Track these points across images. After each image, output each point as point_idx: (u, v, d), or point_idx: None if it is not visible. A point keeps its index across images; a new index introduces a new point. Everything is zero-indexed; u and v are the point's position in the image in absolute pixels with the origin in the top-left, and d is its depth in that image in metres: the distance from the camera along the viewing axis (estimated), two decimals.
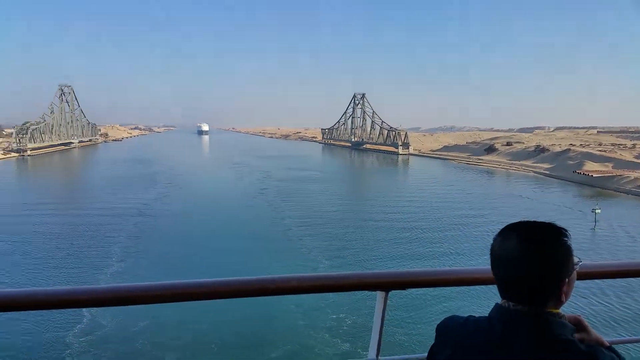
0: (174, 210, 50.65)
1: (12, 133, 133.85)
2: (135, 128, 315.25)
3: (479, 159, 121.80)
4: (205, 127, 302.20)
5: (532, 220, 1.47)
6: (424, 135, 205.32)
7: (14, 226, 41.69)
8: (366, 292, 2.30)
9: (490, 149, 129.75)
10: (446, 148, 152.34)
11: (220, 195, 61.43)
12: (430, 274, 2.35)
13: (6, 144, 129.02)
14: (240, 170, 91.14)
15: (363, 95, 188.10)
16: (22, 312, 1.98)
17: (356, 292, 2.52)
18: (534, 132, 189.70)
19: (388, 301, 2.22)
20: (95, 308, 18.30)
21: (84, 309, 19.38)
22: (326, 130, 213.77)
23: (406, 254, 35.03)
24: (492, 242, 1.50)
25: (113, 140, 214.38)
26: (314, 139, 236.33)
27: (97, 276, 28.85)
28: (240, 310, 21.84)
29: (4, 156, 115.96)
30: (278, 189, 66.92)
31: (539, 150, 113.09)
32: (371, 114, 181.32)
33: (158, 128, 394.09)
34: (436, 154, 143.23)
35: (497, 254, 1.49)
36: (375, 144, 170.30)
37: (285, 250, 35.20)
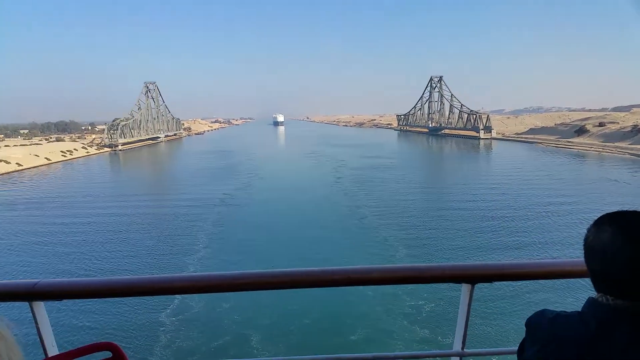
0: (255, 199, 52.26)
1: (104, 130, 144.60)
2: (215, 121, 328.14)
3: (569, 142, 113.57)
4: (281, 118, 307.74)
5: (632, 209, 1.36)
6: (508, 117, 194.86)
7: (111, 216, 45.24)
8: (444, 283, 2.24)
9: (581, 131, 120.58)
10: (532, 131, 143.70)
11: (297, 184, 62.44)
12: (518, 266, 2.28)
13: (99, 140, 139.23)
14: (315, 159, 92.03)
15: (440, 79, 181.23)
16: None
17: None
18: (632, 111, 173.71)
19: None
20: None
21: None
22: (402, 116, 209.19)
23: (490, 244, 33.36)
24: (586, 232, 1.42)
25: (195, 133, 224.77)
26: (389, 126, 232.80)
27: (186, 261, 30.61)
28: (318, 296, 22.32)
29: (97, 151, 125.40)
30: (353, 177, 66.69)
31: (637, 130, 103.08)
32: (449, 98, 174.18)
33: (236, 120, 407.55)
34: (521, 137, 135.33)
35: (593, 245, 1.39)
36: (455, 128, 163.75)
37: (362, 239, 35.04)
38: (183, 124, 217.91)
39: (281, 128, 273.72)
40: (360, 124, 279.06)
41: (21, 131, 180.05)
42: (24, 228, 40.93)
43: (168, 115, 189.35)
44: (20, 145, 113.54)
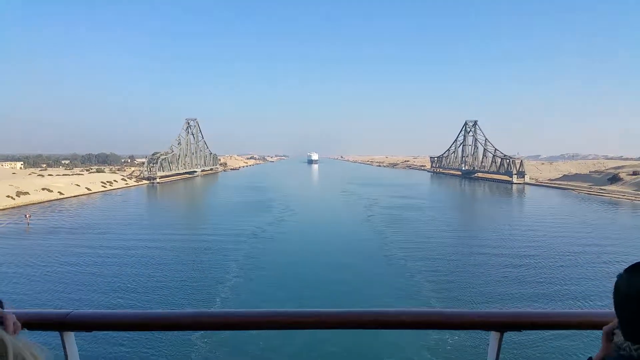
0: (287, 233, 52.68)
1: (143, 162, 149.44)
2: (250, 158, 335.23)
3: (601, 189, 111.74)
4: (315, 156, 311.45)
5: None
6: (542, 163, 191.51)
7: (146, 246, 46.33)
8: (472, 330, 2.22)
9: (614, 179, 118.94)
10: (566, 177, 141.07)
11: (328, 220, 62.79)
12: (549, 315, 2.21)
13: (138, 172, 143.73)
14: (348, 198, 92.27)
15: (475, 123, 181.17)
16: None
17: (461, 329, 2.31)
18: None
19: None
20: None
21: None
22: (435, 158, 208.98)
23: (519, 292, 32.27)
24: (617, 279, 1.38)
25: (231, 169, 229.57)
26: (423, 167, 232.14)
27: (218, 291, 31.01)
28: (337, 339, 21.81)
29: (137, 183, 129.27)
30: (384, 216, 66.49)
31: None
32: (483, 142, 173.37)
33: (271, 157, 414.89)
34: (554, 183, 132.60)
35: (627, 292, 1.34)
36: (488, 172, 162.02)
37: (389, 277, 34.79)
38: (219, 159, 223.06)
39: (315, 166, 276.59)
40: (394, 165, 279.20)
41: (63, 161, 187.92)
42: (61, 256, 42.19)
43: (206, 151, 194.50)
44: (63, 174, 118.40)
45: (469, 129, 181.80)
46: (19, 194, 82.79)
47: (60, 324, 2.05)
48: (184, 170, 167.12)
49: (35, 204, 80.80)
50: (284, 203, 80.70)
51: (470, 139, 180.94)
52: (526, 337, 22.04)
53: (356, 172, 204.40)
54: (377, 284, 32.88)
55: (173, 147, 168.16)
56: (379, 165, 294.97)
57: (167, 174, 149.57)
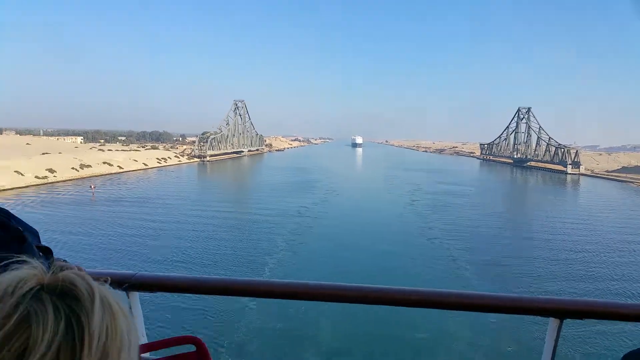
0: (330, 213, 54.17)
1: (194, 141, 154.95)
2: (295, 139, 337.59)
3: None
4: (359, 140, 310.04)
5: None
6: (600, 154, 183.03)
7: (199, 218, 49.24)
8: (527, 316, 2.30)
9: None
10: (625, 169, 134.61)
11: (371, 202, 64.01)
12: (612, 305, 2.15)
13: (189, 151, 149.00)
14: (391, 181, 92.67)
15: (528, 110, 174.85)
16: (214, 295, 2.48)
17: (513, 315, 2.45)
18: None
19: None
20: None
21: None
22: (485, 145, 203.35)
23: (571, 286, 31.44)
24: None
25: (276, 150, 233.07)
26: (472, 154, 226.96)
27: (266, 262, 33.09)
28: (389, 318, 21.99)
29: (188, 161, 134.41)
30: (428, 201, 66.76)
31: None
32: (537, 130, 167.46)
33: (315, 140, 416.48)
34: (612, 175, 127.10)
35: None
36: (541, 161, 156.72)
37: (431, 259, 35.50)
38: (265, 140, 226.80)
39: (359, 149, 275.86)
40: (441, 151, 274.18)
41: (119, 137, 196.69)
42: (124, 223, 45.57)
43: (252, 132, 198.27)
44: (121, 150, 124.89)
45: (522, 116, 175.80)
46: (82, 166, 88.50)
47: (127, 284, 2.15)
48: (232, 150, 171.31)
49: (97, 176, 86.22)
50: (328, 184, 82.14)
51: (523, 126, 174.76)
52: (586, 327, 21.64)
53: (401, 157, 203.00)
54: (417, 265, 33.63)
55: (222, 127, 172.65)
56: (425, 151, 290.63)
57: (216, 152, 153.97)
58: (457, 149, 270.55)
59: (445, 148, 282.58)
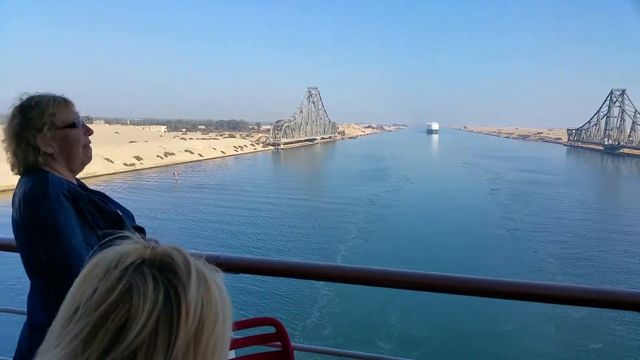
0: (404, 202, 53.33)
1: (268, 129, 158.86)
2: (368, 127, 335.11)
3: None
4: (435, 126, 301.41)
5: None
6: None
7: (274, 204, 50.72)
8: (615, 312, 2.20)
9: None
10: None
11: (447, 191, 62.08)
12: None
13: (264, 139, 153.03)
14: (469, 170, 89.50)
15: (623, 92, 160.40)
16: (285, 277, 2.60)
17: (589, 308, 2.32)
18: None
19: None
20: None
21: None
22: (573, 131, 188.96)
23: None
24: None
25: (349, 137, 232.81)
26: (558, 141, 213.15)
27: (339, 248, 33.41)
28: (465, 309, 21.35)
29: (263, 149, 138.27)
30: (509, 190, 63.61)
31: None
32: (632, 114, 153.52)
33: (389, 127, 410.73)
34: None
35: None
36: (636, 148, 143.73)
37: (512, 254, 33.74)
38: (338, 128, 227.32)
39: (435, 136, 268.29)
40: (524, 137, 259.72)
41: (199, 126, 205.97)
42: (206, 209, 47.85)
43: (325, 119, 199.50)
44: (201, 138, 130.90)
45: (615, 99, 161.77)
46: (166, 154, 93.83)
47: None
48: (305, 138, 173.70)
49: (179, 163, 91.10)
50: (401, 172, 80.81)
51: (616, 110, 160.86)
52: None
53: (480, 144, 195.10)
54: (495, 256, 32.39)
55: (295, 115, 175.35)
56: (507, 137, 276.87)
57: (290, 140, 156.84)
58: (542, 135, 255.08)
59: (529, 134, 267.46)
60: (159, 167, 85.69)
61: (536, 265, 30.89)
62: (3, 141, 1.90)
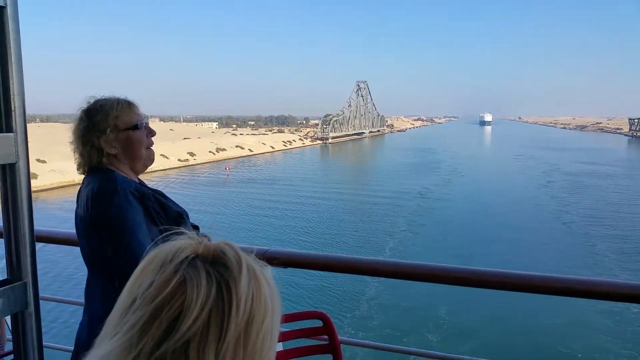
0: (454, 195, 52.48)
1: (316, 124, 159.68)
2: (417, 119, 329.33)
3: None
4: (488, 117, 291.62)
5: None
6: None
7: (322, 198, 51.22)
8: None
9: None
10: None
11: (500, 184, 60.45)
12: None
13: (312, 133, 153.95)
14: (524, 162, 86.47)
15: None
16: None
17: None
18: None
19: None
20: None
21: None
22: (635, 120, 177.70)
23: None
24: None
25: (398, 130, 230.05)
26: (619, 131, 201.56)
27: (387, 241, 33.59)
28: (515, 303, 20.60)
29: (311, 143, 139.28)
30: (565, 183, 61.24)
31: None
32: None
33: (439, 119, 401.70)
34: None
35: None
36: None
37: (567, 248, 32.61)
38: (386, 121, 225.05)
39: (488, 128, 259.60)
40: (582, 127, 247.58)
41: (249, 122, 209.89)
42: (254, 203, 49.02)
43: (374, 112, 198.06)
44: (251, 134, 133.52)
45: None
46: (218, 150, 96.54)
47: (262, 259, 3.07)
48: (353, 132, 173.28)
49: (230, 159, 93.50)
50: (452, 165, 79.33)
51: None
52: None
53: (535, 135, 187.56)
54: (549, 250, 31.34)
55: (344, 109, 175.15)
56: (564, 128, 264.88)
57: (338, 134, 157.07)
58: (600, 125, 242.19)
59: (587, 124, 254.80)
60: (211, 162, 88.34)
61: (594, 259, 29.75)
62: (71, 143, 1.98)
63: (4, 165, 1.05)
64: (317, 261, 2.50)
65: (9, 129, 1.04)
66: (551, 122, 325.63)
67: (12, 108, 1.02)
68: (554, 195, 52.16)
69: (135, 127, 1.96)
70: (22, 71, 1.01)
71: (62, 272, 22.19)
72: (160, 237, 0.70)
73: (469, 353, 17.67)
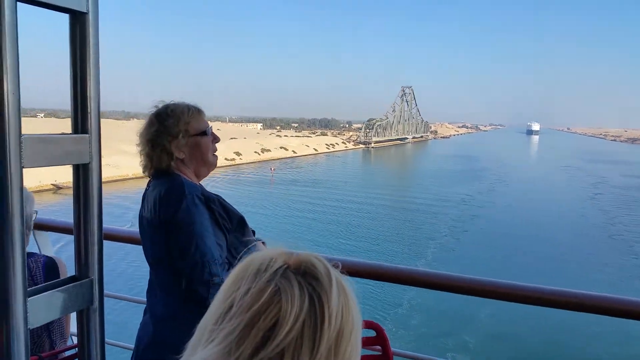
0: (497, 204, 52.18)
1: (359, 128, 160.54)
2: (462, 126, 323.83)
3: None
4: (536, 127, 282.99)
5: None
6: None
7: (363, 203, 51.67)
8: None
9: None
10: None
11: (545, 194, 59.56)
12: None
13: (355, 137, 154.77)
14: (570, 173, 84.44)
15: None
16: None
17: None
18: None
19: None
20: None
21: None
22: None
23: None
24: None
25: (441, 137, 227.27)
26: None
27: (428, 246, 34.25)
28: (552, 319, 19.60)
29: (354, 147, 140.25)
30: (613, 196, 59.76)
31: None
32: None
33: (485, 127, 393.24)
34: None
35: None
36: None
37: (610, 260, 32.06)
38: (430, 127, 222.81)
39: (535, 137, 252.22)
40: (634, 140, 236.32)
41: (293, 124, 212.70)
42: (296, 205, 49.97)
43: (418, 118, 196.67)
44: (295, 136, 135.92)
45: None
46: (262, 150, 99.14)
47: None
48: (396, 137, 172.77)
49: (274, 159, 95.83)
50: (496, 174, 78.31)
51: None
52: None
53: (584, 146, 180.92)
54: (594, 264, 31.02)
55: (388, 114, 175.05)
56: (614, 140, 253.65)
57: (381, 139, 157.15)
58: None
59: (639, 137, 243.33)
60: (255, 162, 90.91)
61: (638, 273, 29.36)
62: (138, 145, 2.01)
63: (77, 165, 1.04)
64: (367, 270, 2.41)
65: (85, 130, 1.03)
66: (601, 134, 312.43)
67: (89, 110, 1.01)
68: (601, 208, 51.04)
69: (204, 133, 2.03)
70: (98, 75, 1.00)
71: (126, 270, 23.20)
72: (249, 247, 0.71)
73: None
